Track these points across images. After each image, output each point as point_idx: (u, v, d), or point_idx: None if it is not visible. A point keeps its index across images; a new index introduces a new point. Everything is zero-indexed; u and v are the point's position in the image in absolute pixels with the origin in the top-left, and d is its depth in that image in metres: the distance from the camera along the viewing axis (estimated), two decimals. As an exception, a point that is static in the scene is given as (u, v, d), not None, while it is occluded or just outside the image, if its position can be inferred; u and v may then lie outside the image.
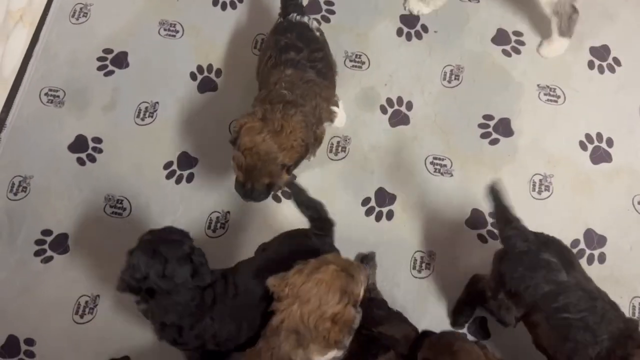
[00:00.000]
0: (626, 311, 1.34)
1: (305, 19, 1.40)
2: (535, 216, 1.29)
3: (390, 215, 1.47)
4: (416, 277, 1.40)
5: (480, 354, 1.07)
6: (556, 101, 1.58)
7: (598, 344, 1.04)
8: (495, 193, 1.17)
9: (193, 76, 1.64)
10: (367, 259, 1.40)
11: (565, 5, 1.47)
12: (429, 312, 1.36)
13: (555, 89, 1.59)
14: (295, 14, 1.39)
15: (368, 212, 1.47)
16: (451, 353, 1.07)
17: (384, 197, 1.48)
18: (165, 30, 1.70)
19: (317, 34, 1.40)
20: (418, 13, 1.66)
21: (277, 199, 1.49)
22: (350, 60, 1.65)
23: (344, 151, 1.53)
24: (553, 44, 1.57)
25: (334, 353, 1.06)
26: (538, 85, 1.59)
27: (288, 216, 1.46)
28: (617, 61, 1.61)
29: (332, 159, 1.52)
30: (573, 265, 1.16)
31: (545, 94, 1.59)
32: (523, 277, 1.12)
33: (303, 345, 1.03)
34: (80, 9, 1.73)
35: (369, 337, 1.15)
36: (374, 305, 1.26)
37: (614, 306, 1.10)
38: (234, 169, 1.25)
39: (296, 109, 1.24)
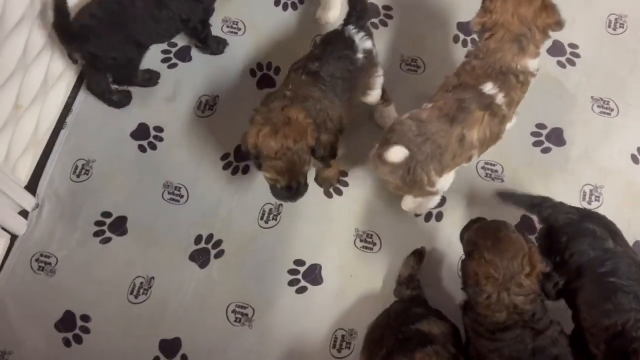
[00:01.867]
0: None
1: (358, 36, 1.41)
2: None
3: (439, 217, 1.55)
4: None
5: (524, 247, 1.12)
6: (609, 114, 1.66)
7: None
8: (504, 195, 1.24)
9: (253, 73, 1.76)
10: (417, 255, 1.47)
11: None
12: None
13: (608, 101, 1.67)
14: (352, 27, 1.42)
15: (417, 214, 1.54)
16: (495, 238, 1.12)
17: (434, 198, 1.57)
18: (227, 27, 1.82)
19: (361, 56, 1.40)
20: (325, 22, 1.76)
21: (329, 195, 1.59)
22: (406, 64, 1.75)
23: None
24: None
25: (537, 61, 1.32)
26: (592, 97, 1.67)
27: (340, 211, 1.57)
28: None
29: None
30: (619, 236, 1.21)
31: (598, 106, 1.67)
32: (567, 245, 1.18)
33: (524, 49, 1.28)
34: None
35: (406, 334, 1.23)
36: (413, 304, 1.35)
37: None
38: (271, 179, 1.32)
39: (293, 101, 1.29)
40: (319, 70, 1.35)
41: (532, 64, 1.33)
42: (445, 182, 1.36)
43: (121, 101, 1.70)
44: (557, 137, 1.63)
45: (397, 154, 1.24)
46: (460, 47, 1.76)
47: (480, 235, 1.17)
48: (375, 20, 1.80)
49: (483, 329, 1.16)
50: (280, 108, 1.28)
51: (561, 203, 1.23)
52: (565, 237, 1.19)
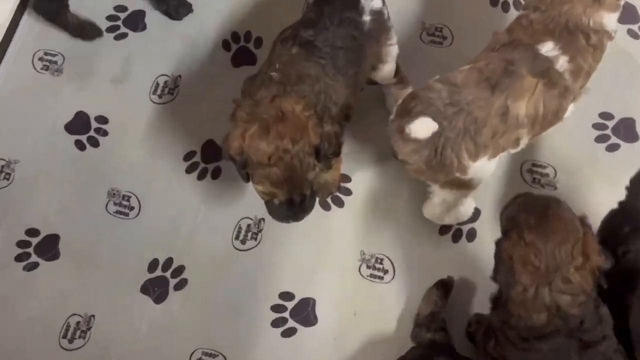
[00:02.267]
0: None
1: None
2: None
3: (471, 236, 1.37)
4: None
5: (578, 231, 1.01)
6: (695, 98, 1.52)
7: None
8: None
9: (226, 45, 1.61)
10: (442, 287, 1.32)
11: None
12: None
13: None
14: None
15: (442, 231, 1.37)
16: (542, 215, 1.03)
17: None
18: (194, -15, 1.69)
19: (368, 18, 1.30)
20: None
21: (327, 206, 1.42)
22: (429, 34, 1.60)
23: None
24: None
25: (616, 18, 1.19)
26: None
27: (340, 227, 1.41)
28: None
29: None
30: None
31: (681, 89, 1.53)
32: (627, 238, 1.10)
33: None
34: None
35: None
36: (435, 352, 1.21)
37: None
38: (266, 193, 1.21)
39: (285, 87, 1.20)
40: (314, 40, 1.24)
41: (609, 20, 1.19)
42: (481, 169, 1.21)
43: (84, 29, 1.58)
44: (627, 130, 1.47)
45: (423, 128, 1.12)
46: (499, 12, 1.60)
47: (522, 209, 1.07)
48: None
49: (514, 334, 1.06)
50: (270, 99, 1.17)
51: None
52: (628, 228, 1.12)
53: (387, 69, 1.40)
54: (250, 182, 1.20)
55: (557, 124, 1.24)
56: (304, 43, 1.25)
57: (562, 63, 1.17)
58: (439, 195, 1.31)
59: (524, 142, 1.23)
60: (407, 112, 1.15)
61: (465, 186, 1.25)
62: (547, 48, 1.18)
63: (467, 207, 1.37)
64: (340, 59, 1.27)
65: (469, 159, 1.18)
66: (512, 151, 1.25)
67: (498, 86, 1.14)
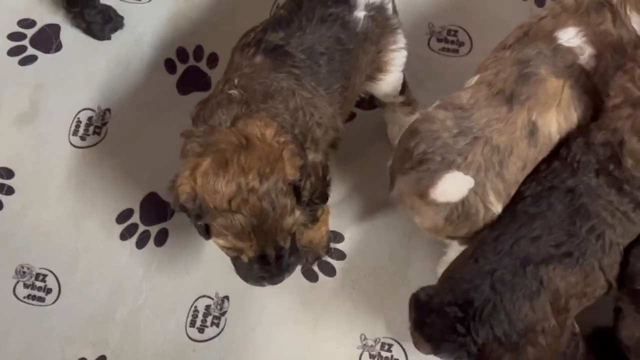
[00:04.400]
0: None
1: None
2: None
3: None
4: None
5: None
6: None
7: None
8: None
9: (170, 66, 1.64)
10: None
11: None
12: None
13: None
14: None
15: None
16: None
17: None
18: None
19: (363, 15, 1.32)
20: None
21: (312, 276, 1.42)
22: (439, 40, 1.63)
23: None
24: None
25: None
26: None
27: (332, 304, 1.42)
28: None
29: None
30: None
31: None
32: None
33: None
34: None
35: None
36: None
37: None
38: (229, 248, 1.20)
39: (249, 105, 1.20)
40: (284, 45, 1.25)
41: None
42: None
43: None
44: None
45: (455, 187, 1.15)
46: (532, 5, 1.63)
47: None
48: None
49: None
50: (229, 122, 1.17)
51: None
52: None
53: (389, 81, 1.41)
54: (212, 240, 1.20)
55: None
56: (272, 49, 1.25)
57: (589, 54, 1.23)
58: (458, 252, 1.31)
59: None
60: (409, 157, 1.18)
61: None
62: (568, 35, 1.22)
63: None
64: (322, 68, 1.28)
65: (497, 202, 1.19)
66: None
67: (515, 98, 1.18)
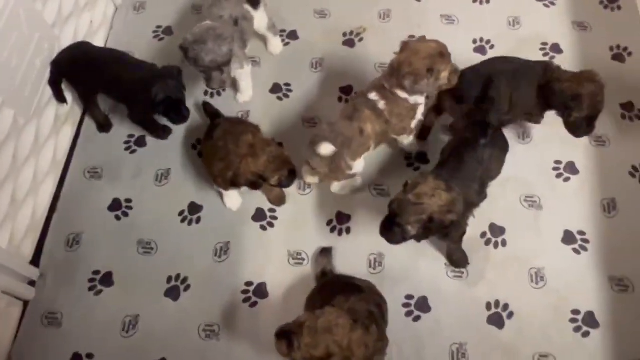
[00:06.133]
0: (526, 279, 2.57)
1: None
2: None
3: None
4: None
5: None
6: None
7: None
8: None
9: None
10: (325, 252, 2.53)
11: None
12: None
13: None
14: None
15: None
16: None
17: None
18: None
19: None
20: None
21: None
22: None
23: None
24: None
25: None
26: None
27: None
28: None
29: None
30: None
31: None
32: None
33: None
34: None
35: (342, 285, 2.18)
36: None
37: None
38: None
39: None
40: None
41: (401, 92, 2.42)
42: (357, 165, 2.44)
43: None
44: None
45: (327, 149, 2.33)
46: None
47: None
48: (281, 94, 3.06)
49: None
50: None
51: None
52: None
53: None
54: None
55: (384, 140, 2.47)
56: None
57: (382, 104, 2.36)
58: (340, 183, 2.55)
59: (372, 148, 2.41)
60: (314, 142, 2.32)
61: (351, 176, 2.45)
62: (373, 95, 2.37)
63: (356, 179, 2.59)
64: None
65: (350, 160, 2.32)
66: (367, 153, 2.41)
67: (353, 118, 2.34)
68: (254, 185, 2.40)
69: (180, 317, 2.52)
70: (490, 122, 2.32)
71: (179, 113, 2.61)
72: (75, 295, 2.62)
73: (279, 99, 3.07)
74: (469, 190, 2.20)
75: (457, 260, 2.50)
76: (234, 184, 2.41)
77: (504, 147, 2.44)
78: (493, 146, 2.33)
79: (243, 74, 2.86)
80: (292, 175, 2.39)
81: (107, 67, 2.71)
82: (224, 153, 2.40)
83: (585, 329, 2.44)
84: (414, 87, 2.29)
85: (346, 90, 3.04)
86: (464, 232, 2.36)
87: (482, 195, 2.33)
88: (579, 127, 2.41)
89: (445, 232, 2.11)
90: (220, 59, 2.47)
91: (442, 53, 2.30)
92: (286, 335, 1.72)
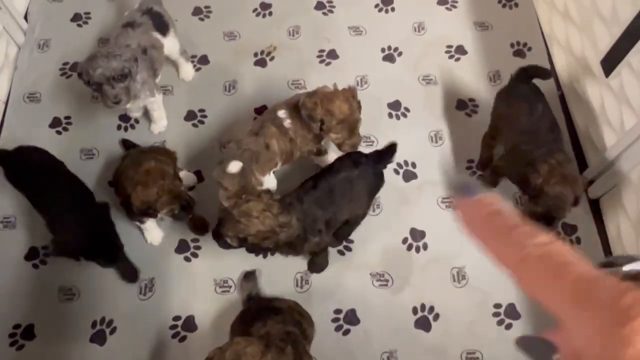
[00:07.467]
0: (448, 280, 2.66)
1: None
2: (372, 229, 2.61)
3: None
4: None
5: None
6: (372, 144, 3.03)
7: None
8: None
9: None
10: (249, 276, 2.51)
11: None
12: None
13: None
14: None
15: None
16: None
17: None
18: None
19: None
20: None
21: None
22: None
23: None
24: None
25: None
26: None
27: None
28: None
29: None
30: None
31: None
32: None
33: None
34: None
35: (261, 308, 2.15)
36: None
37: None
38: None
39: None
40: None
41: None
42: (268, 180, 2.43)
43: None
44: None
45: (235, 166, 2.31)
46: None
47: None
48: (195, 121, 3.16)
49: None
50: None
51: None
52: None
53: None
54: None
55: (291, 158, 2.46)
56: None
57: (288, 122, 2.37)
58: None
59: (279, 165, 2.43)
60: (222, 161, 2.30)
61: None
62: (282, 113, 2.39)
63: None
64: None
65: (259, 174, 2.32)
66: (275, 170, 2.42)
67: (259, 134, 2.35)
68: (147, 215, 2.43)
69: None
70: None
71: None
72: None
73: (194, 125, 3.07)
74: (314, 222, 2.22)
75: (314, 265, 2.56)
76: (143, 213, 2.42)
77: (373, 183, 2.41)
78: (362, 178, 2.31)
79: (155, 103, 2.86)
80: (185, 209, 2.39)
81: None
82: (127, 181, 2.39)
83: (507, 321, 2.53)
84: (309, 121, 2.37)
85: (260, 110, 3.05)
86: (325, 247, 2.41)
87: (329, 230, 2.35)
88: (538, 220, 2.25)
89: (278, 252, 2.22)
90: (108, 72, 2.46)
91: (344, 120, 2.36)
92: None
